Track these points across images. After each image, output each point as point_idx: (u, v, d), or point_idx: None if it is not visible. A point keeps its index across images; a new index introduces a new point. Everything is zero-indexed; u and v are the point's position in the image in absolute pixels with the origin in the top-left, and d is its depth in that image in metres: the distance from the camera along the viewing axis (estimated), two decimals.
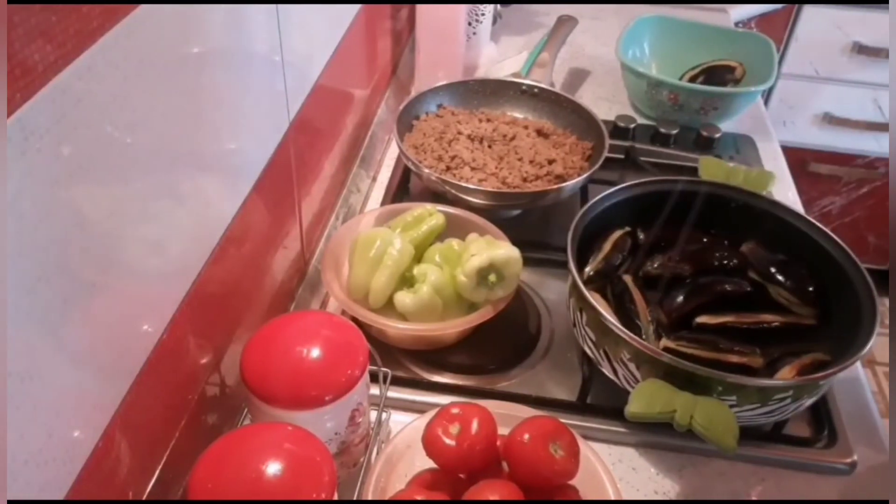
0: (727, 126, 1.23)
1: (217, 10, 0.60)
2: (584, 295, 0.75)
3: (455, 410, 0.66)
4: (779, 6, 1.74)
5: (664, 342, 0.77)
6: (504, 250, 0.81)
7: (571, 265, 0.78)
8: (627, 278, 0.85)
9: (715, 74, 1.29)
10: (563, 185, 0.98)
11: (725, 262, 0.87)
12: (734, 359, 0.75)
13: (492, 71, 1.34)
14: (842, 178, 1.97)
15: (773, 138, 1.27)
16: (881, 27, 1.75)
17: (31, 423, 0.43)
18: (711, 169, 0.98)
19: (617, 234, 0.89)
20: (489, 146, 1.08)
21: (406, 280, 0.83)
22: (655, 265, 0.86)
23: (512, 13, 1.59)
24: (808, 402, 0.74)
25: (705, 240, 0.90)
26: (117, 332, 0.52)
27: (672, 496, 0.74)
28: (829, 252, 0.83)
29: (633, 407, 0.70)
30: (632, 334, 0.73)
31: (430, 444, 0.65)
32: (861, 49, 1.78)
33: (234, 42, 0.65)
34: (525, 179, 1.01)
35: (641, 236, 0.90)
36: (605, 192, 0.89)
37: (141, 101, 0.50)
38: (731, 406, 0.70)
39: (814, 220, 0.86)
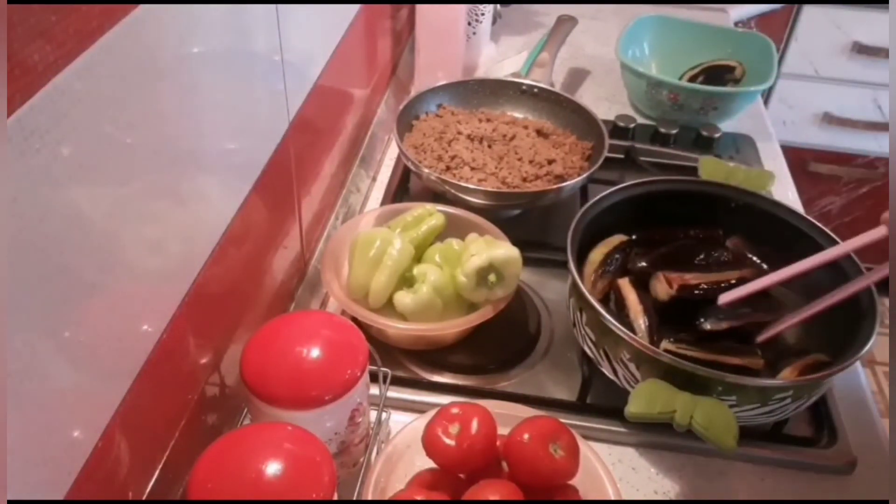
0: (727, 126, 1.23)
1: (217, 10, 0.60)
2: (584, 295, 0.75)
3: (455, 410, 0.66)
4: (778, 6, 1.74)
5: (664, 344, 0.77)
6: (504, 250, 0.81)
7: (571, 265, 0.78)
8: (622, 281, 0.84)
9: (715, 74, 1.29)
10: (563, 184, 0.98)
11: (714, 253, 0.87)
12: (734, 360, 0.75)
13: (492, 71, 1.34)
14: (842, 177, 1.97)
15: (773, 138, 1.27)
16: (881, 27, 1.75)
17: (31, 422, 0.43)
18: (711, 169, 0.98)
19: (617, 240, 0.89)
20: (489, 146, 1.08)
21: (406, 280, 0.83)
22: (643, 263, 0.86)
23: (512, 13, 1.59)
24: (808, 402, 0.74)
25: (700, 236, 0.91)
26: (117, 332, 0.52)
27: (672, 496, 0.74)
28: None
29: (633, 407, 0.70)
30: (632, 334, 0.73)
31: (430, 444, 0.65)
32: (861, 49, 1.78)
33: (234, 42, 0.65)
34: (525, 179, 1.01)
35: (634, 237, 0.91)
36: (605, 191, 0.89)
37: (141, 101, 0.50)
38: (731, 406, 0.70)
39: (814, 220, 0.86)
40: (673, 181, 0.94)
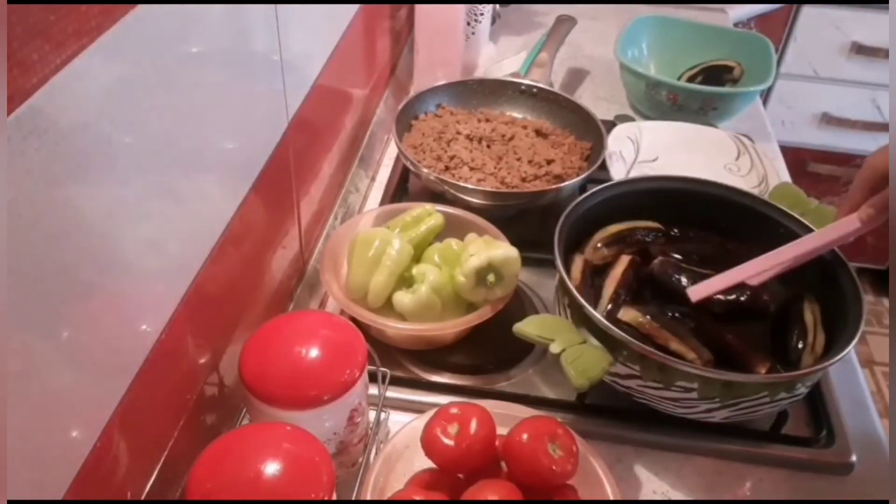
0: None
1: (216, 10, 0.60)
2: (569, 289, 0.75)
3: (454, 410, 0.66)
4: (777, 6, 1.75)
5: (622, 313, 0.78)
6: (502, 250, 0.81)
7: (558, 263, 0.78)
8: (625, 256, 0.85)
9: (713, 74, 1.29)
10: (562, 184, 0.98)
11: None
12: (674, 345, 0.75)
13: (491, 71, 1.34)
14: (840, 177, 1.98)
15: (772, 138, 1.28)
16: (880, 27, 1.75)
17: (30, 422, 0.43)
18: (780, 194, 0.95)
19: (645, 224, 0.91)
20: (488, 146, 1.08)
21: (405, 280, 0.83)
22: (677, 256, 0.87)
23: (511, 13, 1.59)
24: (789, 400, 0.74)
25: (691, 235, 0.91)
26: (115, 332, 0.52)
27: (671, 496, 0.74)
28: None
29: (521, 324, 0.75)
30: (588, 306, 0.73)
31: (429, 444, 0.65)
32: (860, 49, 1.78)
33: (233, 42, 0.65)
34: (524, 179, 1.01)
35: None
36: (592, 190, 0.89)
37: (140, 101, 0.50)
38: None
39: (808, 224, 0.85)
40: (661, 179, 0.94)
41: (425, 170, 0.99)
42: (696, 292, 0.78)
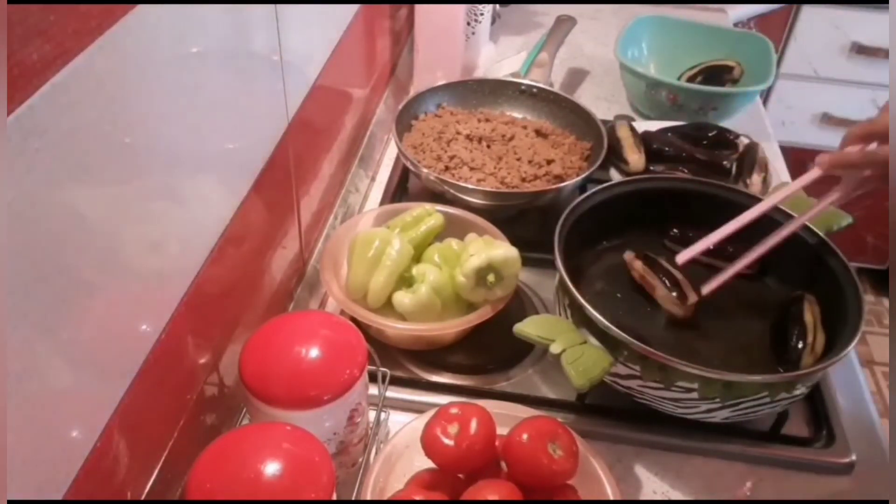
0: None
1: (216, 10, 0.60)
2: (569, 289, 0.75)
3: (454, 410, 0.66)
4: (777, 6, 1.75)
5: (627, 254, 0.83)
6: (503, 250, 0.81)
7: (559, 263, 0.78)
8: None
9: (713, 74, 1.29)
10: (562, 185, 0.98)
11: None
12: (659, 283, 0.80)
13: (491, 71, 1.34)
14: (841, 178, 1.97)
15: (772, 138, 1.27)
16: (880, 27, 1.75)
17: (30, 422, 0.43)
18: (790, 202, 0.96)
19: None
20: (488, 146, 1.08)
21: (405, 280, 0.83)
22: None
23: (511, 13, 1.59)
24: (789, 400, 0.74)
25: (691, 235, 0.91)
26: (116, 332, 0.52)
27: (671, 496, 0.74)
28: (819, 253, 0.83)
29: (521, 325, 0.75)
30: (588, 306, 0.73)
31: (429, 444, 0.65)
32: (860, 49, 1.78)
33: (233, 42, 0.65)
34: (524, 179, 1.01)
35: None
36: (592, 190, 0.89)
37: (139, 101, 0.50)
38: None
39: (808, 223, 0.85)
40: (660, 178, 0.95)
41: (425, 170, 0.99)
42: (682, 256, 0.84)
